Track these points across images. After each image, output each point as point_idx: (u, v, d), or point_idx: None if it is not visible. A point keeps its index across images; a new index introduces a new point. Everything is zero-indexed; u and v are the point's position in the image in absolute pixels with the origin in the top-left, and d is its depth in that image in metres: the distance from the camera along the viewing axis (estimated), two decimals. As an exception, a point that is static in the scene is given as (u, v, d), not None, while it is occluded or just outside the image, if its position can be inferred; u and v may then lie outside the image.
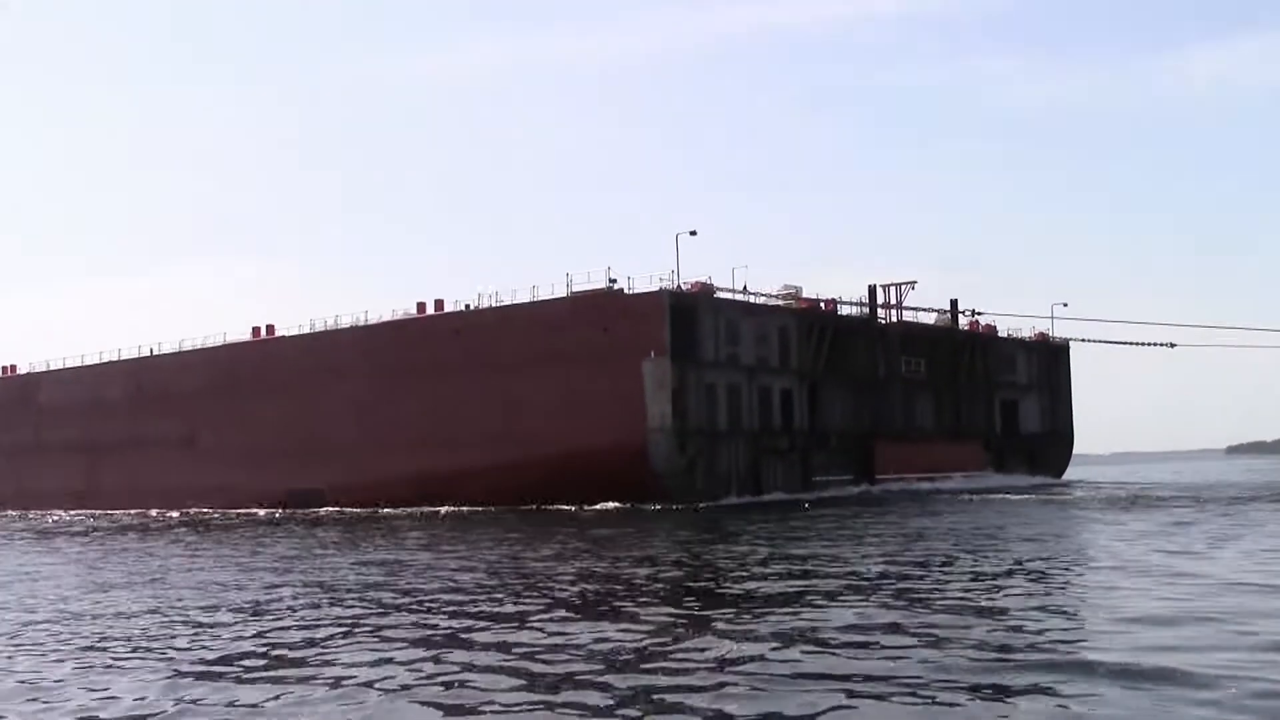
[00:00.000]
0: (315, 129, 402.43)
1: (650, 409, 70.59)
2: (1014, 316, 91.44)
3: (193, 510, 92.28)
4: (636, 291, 72.67)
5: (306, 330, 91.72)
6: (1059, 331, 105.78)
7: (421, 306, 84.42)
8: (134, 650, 19.22)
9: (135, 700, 15.23)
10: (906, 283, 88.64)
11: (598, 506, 68.88)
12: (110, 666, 17.78)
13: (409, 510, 76.88)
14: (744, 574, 28.37)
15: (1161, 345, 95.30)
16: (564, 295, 75.44)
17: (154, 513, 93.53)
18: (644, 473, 70.40)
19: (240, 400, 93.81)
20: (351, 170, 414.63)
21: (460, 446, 77.67)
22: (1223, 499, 59.62)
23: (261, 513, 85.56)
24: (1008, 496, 70.18)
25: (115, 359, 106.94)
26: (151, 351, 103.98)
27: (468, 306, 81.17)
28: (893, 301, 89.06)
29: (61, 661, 18.41)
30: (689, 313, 72.00)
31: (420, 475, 79.33)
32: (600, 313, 73.06)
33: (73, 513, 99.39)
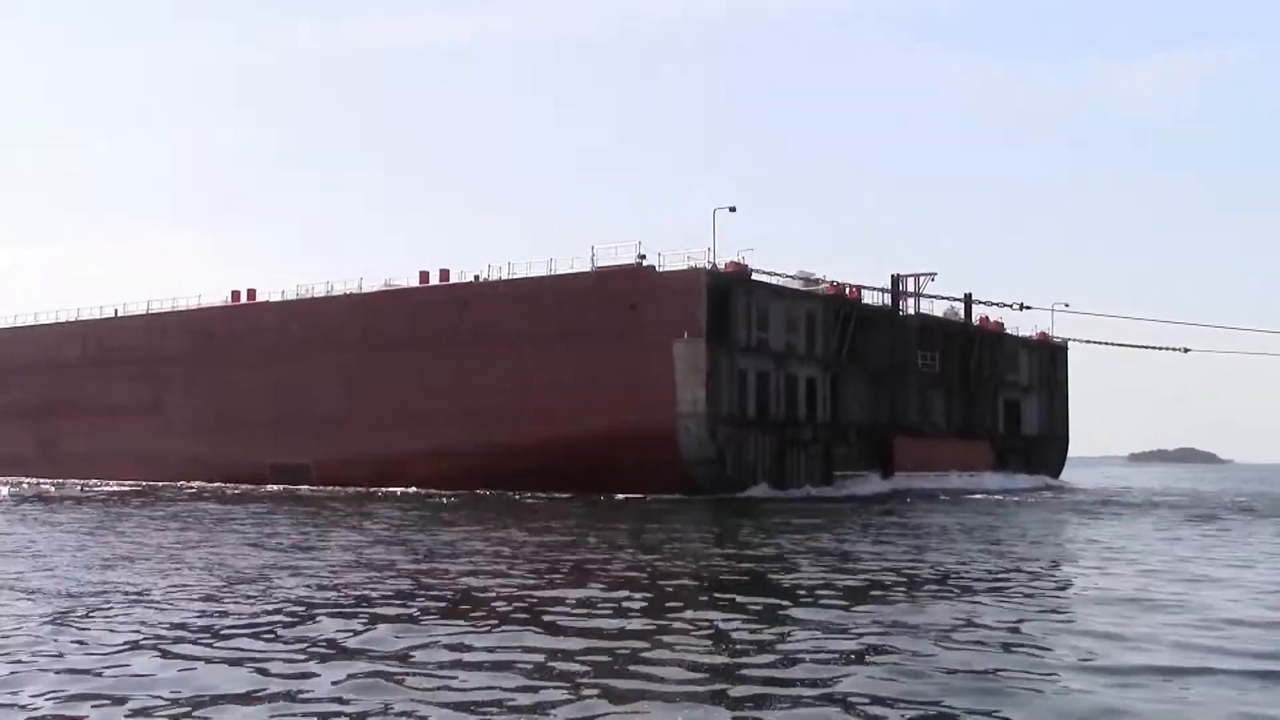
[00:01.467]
0: (258, 91, 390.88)
1: (681, 393, 66.54)
2: (988, 306, 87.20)
3: (160, 482, 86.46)
4: (669, 269, 68.54)
5: (291, 296, 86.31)
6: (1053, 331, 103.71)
7: (424, 276, 79.52)
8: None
9: None
10: (926, 273, 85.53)
11: (618, 495, 64.84)
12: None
13: (405, 490, 72.29)
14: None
15: (1175, 350, 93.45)
16: (587, 270, 71.10)
17: (113, 484, 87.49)
18: (670, 461, 66.39)
19: (215, 366, 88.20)
20: (291, 137, 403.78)
21: (465, 425, 73.09)
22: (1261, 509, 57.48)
23: (235, 488, 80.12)
24: (1048, 497, 67.37)
25: (72, 319, 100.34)
26: (116, 312, 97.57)
27: (476, 278, 76.45)
28: (911, 292, 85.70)
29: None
30: (723, 294, 68.04)
31: (419, 454, 74.64)
32: (628, 289, 68.82)
33: (13, 481, 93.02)
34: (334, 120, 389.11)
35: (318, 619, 19.11)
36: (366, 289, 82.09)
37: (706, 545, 34.82)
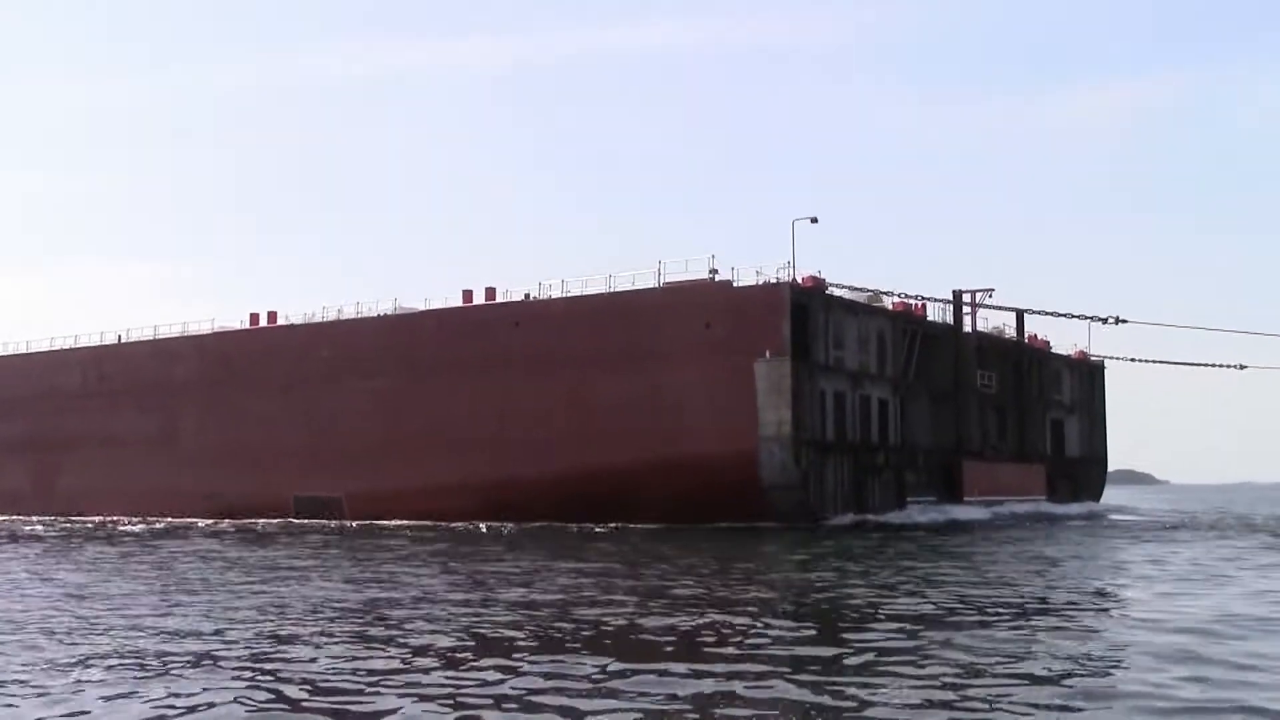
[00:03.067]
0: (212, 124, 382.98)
1: (764, 415, 62.37)
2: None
3: (170, 518, 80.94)
4: (745, 284, 64.52)
5: (317, 318, 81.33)
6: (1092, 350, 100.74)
7: (468, 295, 74.87)
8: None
9: None
10: (983, 289, 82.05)
11: (693, 525, 60.55)
12: None
13: (456, 525, 67.51)
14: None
15: (1230, 367, 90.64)
16: (654, 285, 66.95)
17: (115, 519, 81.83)
18: (752, 487, 62.18)
19: (234, 394, 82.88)
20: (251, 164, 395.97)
21: (519, 453, 68.58)
22: None
23: (260, 523, 74.91)
24: (1129, 520, 63.86)
25: (70, 345, 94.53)
26: (119, 338, 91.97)
27: (527, 296, 72.00)
28: (966, 310, 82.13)
29: None
30: (802, 310, 64.08)
31: (468, 485, 69.93)
32: (702, 306, 64.70)
33: (11, 518, 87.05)
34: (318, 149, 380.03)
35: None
36: (402, 309, 77.28)
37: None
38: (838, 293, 68.33)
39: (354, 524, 70.82)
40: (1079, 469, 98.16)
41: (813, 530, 58.48)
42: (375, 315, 77.71)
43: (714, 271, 65.32)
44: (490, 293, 73.79)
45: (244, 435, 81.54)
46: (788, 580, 31.40)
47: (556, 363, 68.51)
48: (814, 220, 64.32)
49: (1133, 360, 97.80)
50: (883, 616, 22.03)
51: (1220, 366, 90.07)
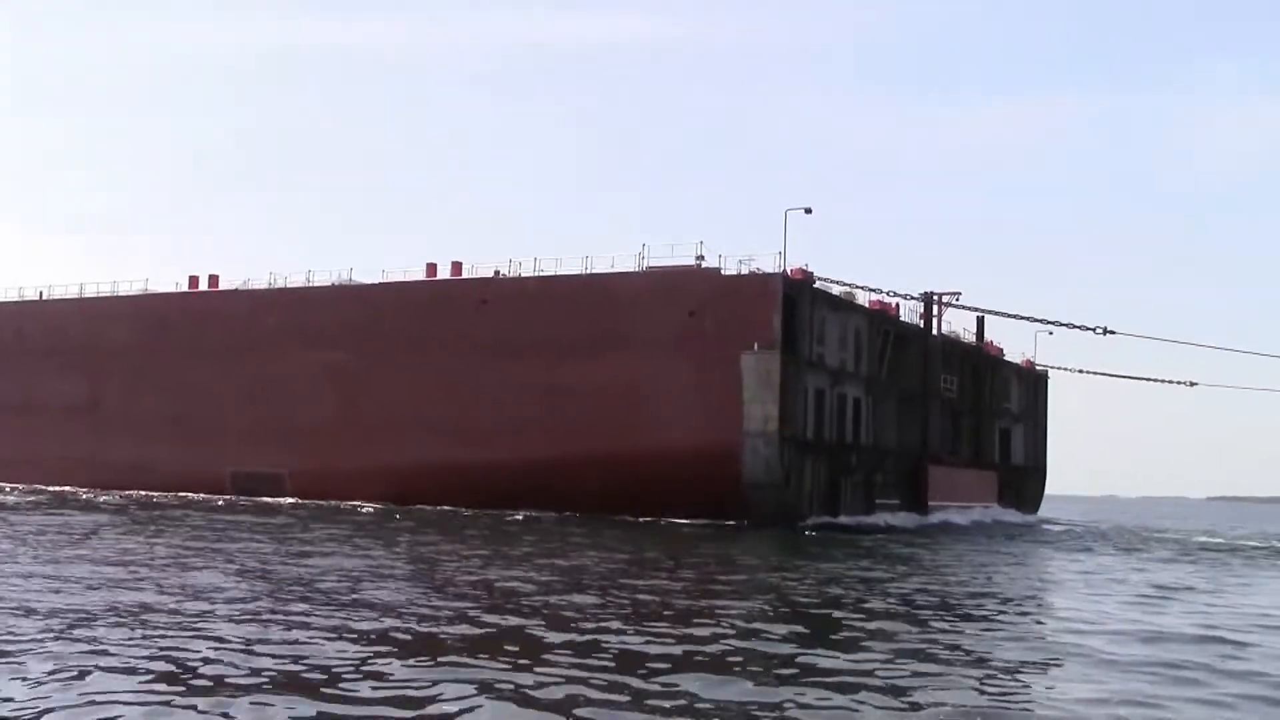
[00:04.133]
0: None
1: (749, 409, 60.10)
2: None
3: (97, 493, 76.07)
4: (735, 272, 62.17)
5: (263, 285, 77.02)
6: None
7: (432, 269, 71.34)
8: None
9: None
10: (951, 293, 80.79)
11: (660, 520, 58.32)
12: None
13: (406, 506, 64.34)
14: None
15: (1181, 383, 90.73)
16: (635, 269, 64.28)
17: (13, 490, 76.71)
18: (732, 484, 59.90)
19: (168, 361, 78.06)
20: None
21: (484, 438, 65.43)
22: None
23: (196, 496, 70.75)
24: (1105, 531, 63.01)
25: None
26: (41, 295, 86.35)
27: (496, 273, 68.76)
28: (934, 312, 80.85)
29: None
30: (791, 302, 61.94)
31: (425, 468, 66.59)
32: (687, 292, 62.23)
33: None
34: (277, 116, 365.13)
35: None
36: (359, 280, 73.45)
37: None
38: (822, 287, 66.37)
39: (293, 502, 67.15)
40: (1024, 478, 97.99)
41: (793, 532, 56.33)
42: (329, 285, 73.74)
43: (700, 258, 62.92)
44: (456, 267, 70.39)
45: (178, 405, 76.91)
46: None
47: (527, 344, 65.48)
48: (808, 211, 62.06)
49: (1082, 372, 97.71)
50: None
51: (1171, 383, 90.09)
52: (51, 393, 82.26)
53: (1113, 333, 65.88)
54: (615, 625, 19.65)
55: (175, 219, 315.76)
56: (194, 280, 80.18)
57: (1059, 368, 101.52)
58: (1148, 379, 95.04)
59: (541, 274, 66.73)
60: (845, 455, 67.55)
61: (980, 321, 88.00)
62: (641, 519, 59.03)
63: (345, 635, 17.63)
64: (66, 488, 77.98)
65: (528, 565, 30.92)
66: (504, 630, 18.77)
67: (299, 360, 72.47)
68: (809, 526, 59.47)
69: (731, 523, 58.37)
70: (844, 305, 68.18)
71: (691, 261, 62.96)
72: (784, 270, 61.36)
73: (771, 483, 59.89)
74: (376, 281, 72.16)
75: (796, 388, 61.70)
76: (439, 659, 15.83)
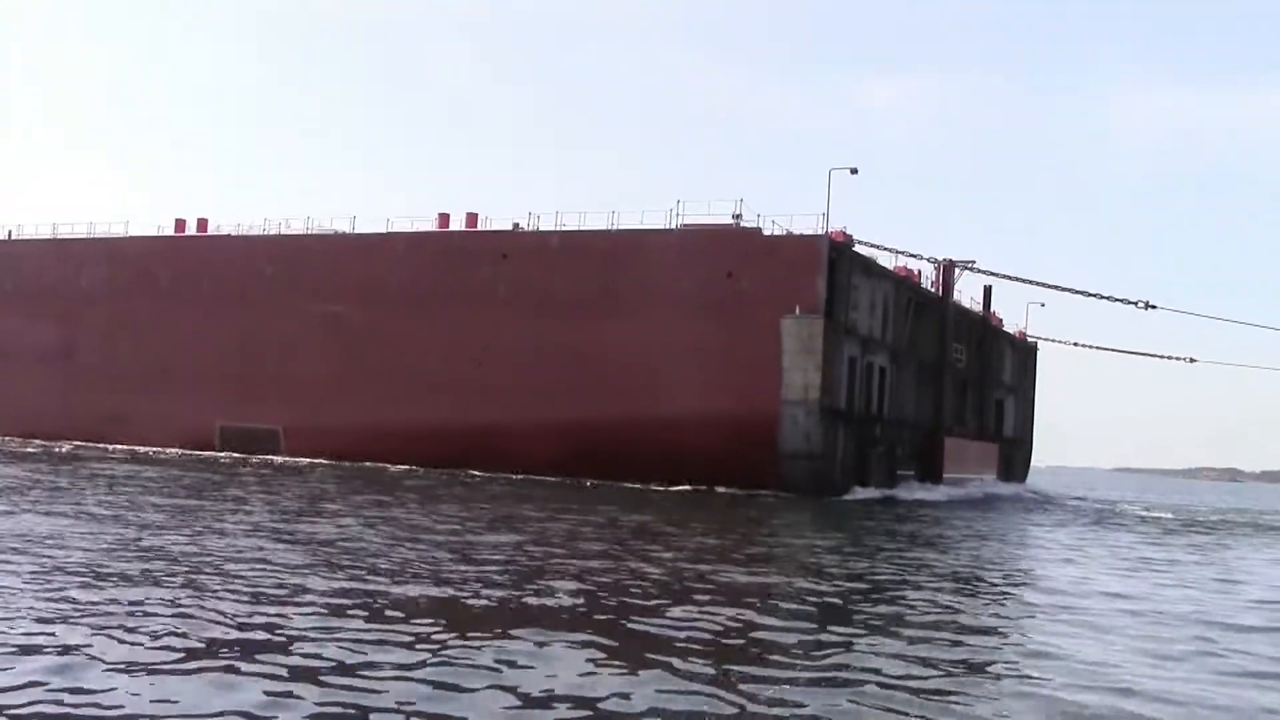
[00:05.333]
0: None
1: (789, 376, 57.75)
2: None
3: (72, 441, 71.95)
4: (774, 234, 59.61)
5: (256, 231, 72.93)
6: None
7: (444, 219, 67.85)
8: None
9: None
10: (964, 262, 78.89)
11: (679, 488, 56.02)
12: None
13: (408, 467, 61.59)
14: None
15: (1180, 359, 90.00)
16: (667, 226, 61.46)
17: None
18: (768, 454, 57.63)
19: (151, 307, 73.80)
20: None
21: (500, 398, 62.48)
22: None
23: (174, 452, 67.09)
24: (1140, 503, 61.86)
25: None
26: (9, 234, 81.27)
27: (516, 226, 65.50)
28: (943, 280, 78.86)
29: None
30: (832, 266, 59.55)
31: (434, 429, 63.54)
32: (725, 252, 59.58)
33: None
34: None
35: None
36: (365, 229, 69.70)
37: None
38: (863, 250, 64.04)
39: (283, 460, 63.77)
40: (1014, 449, 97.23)
41: (833, 504, 54.30)
42: (332, 233, 69.93)
43: (738, 217, 60.24)
44: (471, 219, 66.99)
45: (161, 354, 72.75)
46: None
47: (551, 302, 62.50)
48: (854, 171, 59.76)
49: (1076, 345, 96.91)
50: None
51: (1169, 358, 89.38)
52: (17, 338, 77.50)
53: (1154, 307, 64.49)
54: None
55: (157, 158, 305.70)
56: (180, 224, 75.77)
57: (1051, 339, 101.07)
58: (1145, 354, 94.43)
59: (564, 229, 63.61)
60: (871, 426, 65.59)
61: (988, 291, 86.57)
62: (661, 487, 56.40)
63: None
64: (34, 439, 73.59)
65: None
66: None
67: (297, 311, 68.74)
68: (847, 500, 57.54)
69: (764, 493, 56.25)
70: (875, 270, 65.97)
71: (728, 220, 60.27)
72: (827, 232, 58.93)
73: (810, 453, 57.69)
74: (384, 231, 68.44)
75: (836, 355, 59.48)
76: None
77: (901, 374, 70.48)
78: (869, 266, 65.01)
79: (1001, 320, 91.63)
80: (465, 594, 18.17)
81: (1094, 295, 65.24)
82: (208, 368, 71.00)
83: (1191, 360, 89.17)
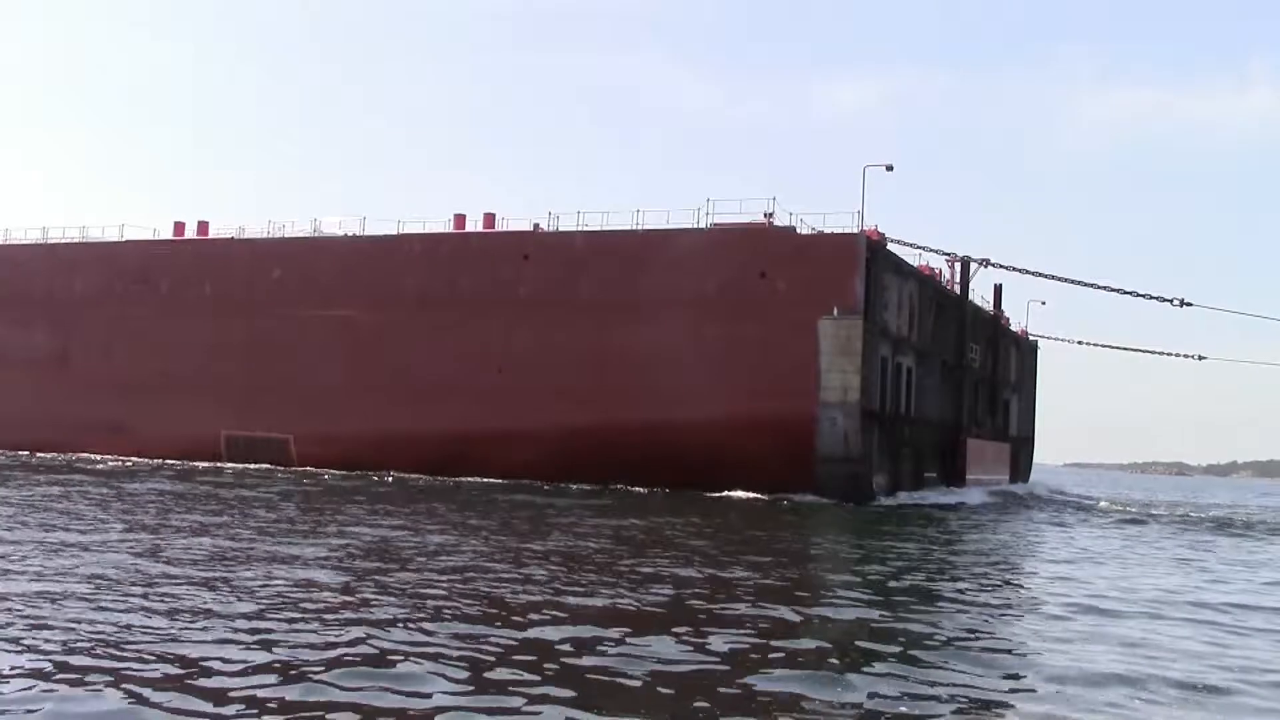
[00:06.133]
0: None
1: (827, 378, 56.37)
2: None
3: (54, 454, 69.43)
4: (812, 231, 58.22)
5: (260, 235, 70.69)
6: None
7: (460, 220, 65.92)
8: None
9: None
10: (981, 259, 77.75)
11: (722, 494, 54.52)
12: None
13: (432, 477, 59.79)
14: None
15: (1189, 356, 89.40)
16: (697, 226, 59.91)
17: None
18: (804, 457, 56.21)
19: (150, 313, 71.38)
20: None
21: (523, 404, 60.70)
22: None
23: (176, 464, 64.71)
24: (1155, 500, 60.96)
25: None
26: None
27: (536, 226, 63.73)
28: (958, 278, 77.70)
29: None
30: (867, 265, 58.20)
31: (453, 436, 61.69)
32: (758, 252, 58.12)
33: None
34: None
35: None
36: (376, 231, 67.63)
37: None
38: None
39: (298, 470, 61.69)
40: (1019, 448, 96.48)
41: (869, 509, 52.95)
42: (343, 235, 67.82)
43: (770, 215, 58.78)
44: (489, 219, 65.14)
45: (163, 361, 70.29)
46: None
47: (575, 304, 60.79)
48: (889, 168, 58.45)
49: (1080, 343, 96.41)
50: None
51: (1177, 356, 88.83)
52: (11, 345, 74.81)
53: (1190, 304, 63.59)
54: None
55: (152, 160, 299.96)
56: (179, 227, 73.33)
57: (1052, 338, 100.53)
58: (1152, 351, 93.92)
59: (586, 229, 61.92)
60: (901, 427, 64.35)
61: (998, 290, 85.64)
62: (695, 493, 54.88)
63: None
64: (23, 452, 71.02)
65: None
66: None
67: (307, 317, 66.62)
68: (887, 504, 56.25)
69: (797, 497, 54.89)
70: (904, 269, 64.72)
71: (760, 219, 58.81)
72: (863, 230, 57.61)
73: (848, 456, 56.31)
74: (397, 233, 66.40)
75: (873, 357, 58.17)
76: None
77: (926, 374, 69.27)
78: (899, 266, 63.75)
79: (1009, 319, 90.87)
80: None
81: (1128, 293, 64.07)
82: (213, 375, 68.69)
83: (1201, 358, 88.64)
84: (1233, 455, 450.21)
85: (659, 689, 12.37)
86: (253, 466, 65.17)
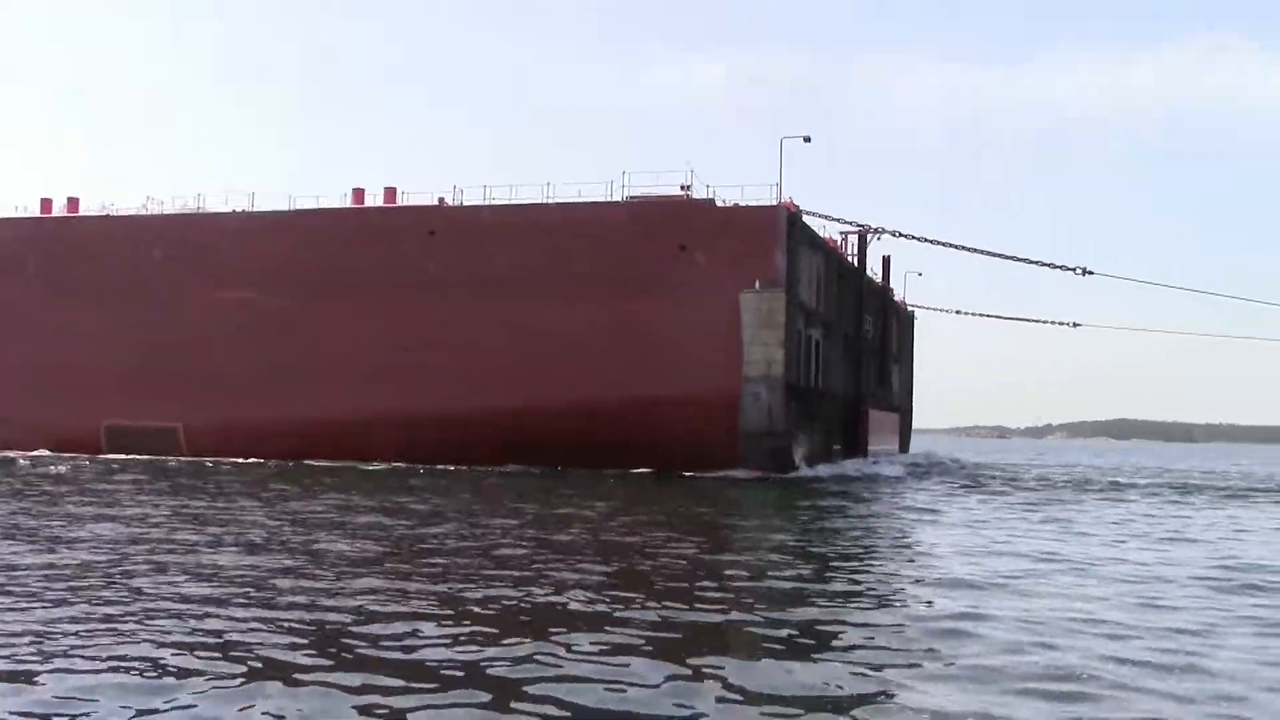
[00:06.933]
0: None
1: (750, 353, 55.78)
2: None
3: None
4: (729, 204, 57.42)
5: (136, 210, 66.68)
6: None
7: (359, 195, 63.20)
8: None
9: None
10: (876, 229, 78.06)
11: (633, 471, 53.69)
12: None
13: (334, 463, 57.42)
14: None
15: (1064, 324, 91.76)
16: (612, 199, 58.58)
17: None
18: (729, 434, 55.62)
19: (18, 295, 66.66)
20: None
21: (435, 386, 58.68)
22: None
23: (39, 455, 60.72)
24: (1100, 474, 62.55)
25: None
26: None
27: (441, 201, 61.49)
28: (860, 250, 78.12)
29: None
30: (788, 238, 57.74)
31: (358, 421, 59.31)
32: (677, 225, 57.09)
33: None
34: None
35: None
36: (261, 207, 64.35)
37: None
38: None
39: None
40: (904, 419, 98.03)
41: (794, 483, 52.68)
42: (232, 211, 64.32)
43: (686, 188, 57.81)
44: (390, 194, 62.59)
45: (31, 349, 65.76)
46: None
47: (487, 282, 58.86)
48: (806, 139, 58.02)
49: (959, 313, 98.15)
50: None
51: (1053, 324, 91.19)
52: None
53: (1092, 273, 64.89)
54: None
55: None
56: (46, 204, 68.59)
57: (930, 308, 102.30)
58: (1030, 320, 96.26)
59: (505, 203, 60.01)
60: (814, 400, 64.29)
61: (886, 261, 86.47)
62: (606, 470, 53.98)
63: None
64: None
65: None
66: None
67: (195, 299, 63.11)
68: (808, 477, 56.10)
69: (722, 474, 54.29)
70: (815, 241, 64.55)
71: (677, 192, 57.80)
72: (783, 203, 57.12)
73: (773, 431, 55.90)
74: (293, 209, 63.32)
75: (792, 330, 57.82)
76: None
77: (831, 347, 69.40)
78: (812, 238, 63.53)
79: (893, 290, 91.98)
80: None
81: (1033, 262, 65.00)
82: (90, 363, 64.52)
83: (1075, 325, 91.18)
84: (1048, 418, 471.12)
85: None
86: (140, 458, 61.51)
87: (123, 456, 62.06)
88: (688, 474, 53.80)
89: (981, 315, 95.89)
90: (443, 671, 11.87)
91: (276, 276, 61.84)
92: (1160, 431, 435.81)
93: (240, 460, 59.62)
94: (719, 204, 57.26)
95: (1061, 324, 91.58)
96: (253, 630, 13.81)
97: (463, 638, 13.54)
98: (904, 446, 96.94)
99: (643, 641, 13.47)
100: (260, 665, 12.04)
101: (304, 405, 60.47)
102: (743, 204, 57.57)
